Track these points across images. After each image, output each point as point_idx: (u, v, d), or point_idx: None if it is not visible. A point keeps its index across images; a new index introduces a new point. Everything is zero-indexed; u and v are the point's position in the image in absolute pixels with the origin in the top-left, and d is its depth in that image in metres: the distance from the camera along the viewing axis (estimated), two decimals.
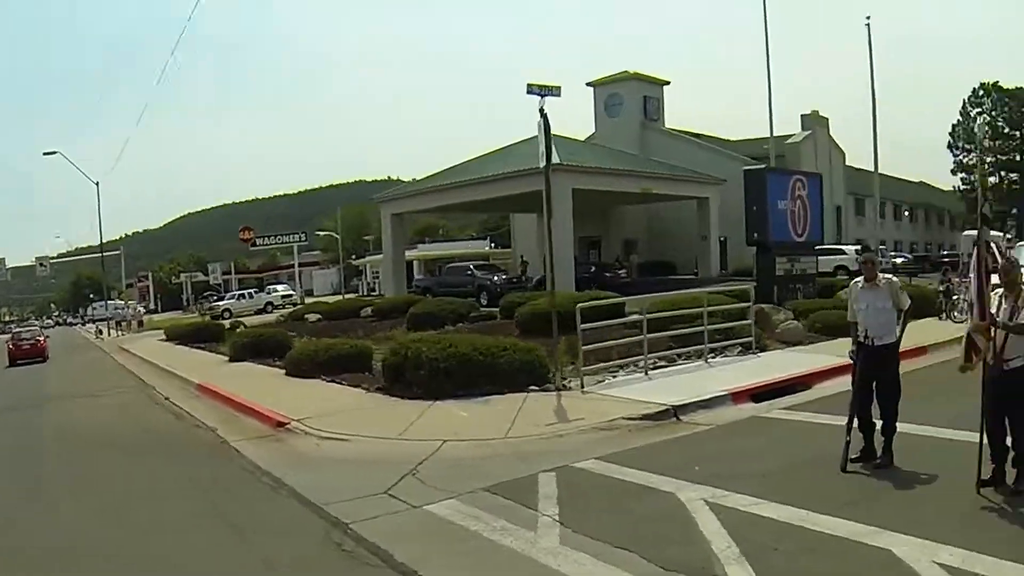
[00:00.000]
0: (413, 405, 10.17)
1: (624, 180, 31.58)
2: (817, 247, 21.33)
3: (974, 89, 65.96)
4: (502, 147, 37.27)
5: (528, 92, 10.51)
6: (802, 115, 43.70)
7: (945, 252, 45.38)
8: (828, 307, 16.86)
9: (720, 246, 36.33)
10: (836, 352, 12.69)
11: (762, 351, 13.45)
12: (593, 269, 31.45)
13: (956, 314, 16.53)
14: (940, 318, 17.15)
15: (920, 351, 12.98)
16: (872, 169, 40.49)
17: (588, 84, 42.83)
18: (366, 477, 7.19)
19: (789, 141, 40.80)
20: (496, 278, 31.04)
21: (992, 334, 5.91)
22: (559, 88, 10.64)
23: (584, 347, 11.11)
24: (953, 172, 66.28)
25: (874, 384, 6.86)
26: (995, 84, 65.31)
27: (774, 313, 16.21)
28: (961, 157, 65.63)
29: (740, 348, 13.39)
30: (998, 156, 63.18)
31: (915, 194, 59.73)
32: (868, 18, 28.44)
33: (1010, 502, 5.68)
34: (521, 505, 6.12)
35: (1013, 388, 5.87)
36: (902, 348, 7.18)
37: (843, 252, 33.70)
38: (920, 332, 14.78)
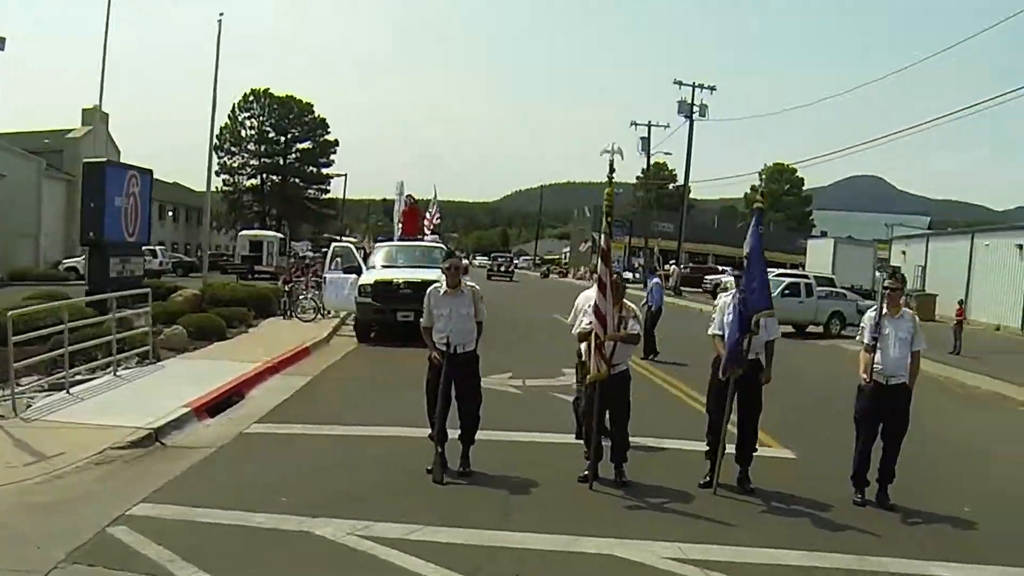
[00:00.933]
0: None
1: None
2: None
3: (245, 94, 68.55)
4: None
5: None
6: (84, 109, 40.70)
7: (212, 252, 46.61)
8: (178, 311, 16.63)
9: None
10: (234, 358, 13.05)
11: (158, 359, 12.69)
12: None
13: (301, 313, 18.16)
14: (285, 317, 18.25)
15: (304, 352, 14.23)
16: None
17: None
18: None
19: (70, 135, 37.62)
20: None
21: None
22: (4, 40, 8.61)
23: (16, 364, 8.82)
24: (217, 173, 67.78)
25: (454, 391, 6.78)
26: (266, 90, 68.93)
27: (135, 319, 15.21)
28: (225, 159, 67.30)
29: (138, 358, 12.39)
30: (262, 159, 68.47)
31: (170, 194, 59.45)
32: (221, 15, 27.26)
33: (632, 492, 6.33)
34: None
35: (617, 389, 6.65)
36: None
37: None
38: (289, 332, 15.98)
